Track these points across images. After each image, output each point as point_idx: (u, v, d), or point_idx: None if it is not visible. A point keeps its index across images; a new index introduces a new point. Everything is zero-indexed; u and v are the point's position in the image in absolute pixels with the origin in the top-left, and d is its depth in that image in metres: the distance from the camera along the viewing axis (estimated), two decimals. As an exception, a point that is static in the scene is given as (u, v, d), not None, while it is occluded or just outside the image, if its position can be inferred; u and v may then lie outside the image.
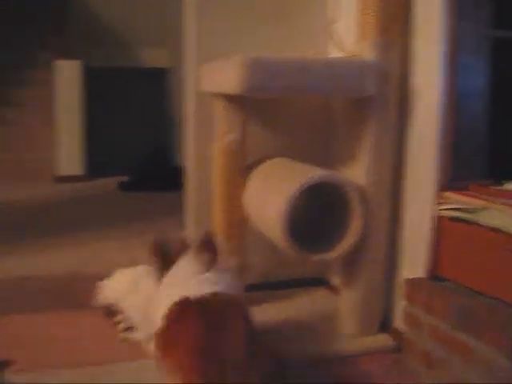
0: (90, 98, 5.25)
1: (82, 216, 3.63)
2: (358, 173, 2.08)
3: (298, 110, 2.57)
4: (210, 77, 2.23)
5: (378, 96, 2.00)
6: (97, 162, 5.10)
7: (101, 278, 2.30)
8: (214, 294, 1.69)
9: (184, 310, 1.65)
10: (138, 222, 3.45)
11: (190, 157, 2.61)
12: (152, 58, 6.10)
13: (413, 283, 1.93)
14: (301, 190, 1.92)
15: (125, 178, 4.68)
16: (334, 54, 2.31)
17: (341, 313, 2.23)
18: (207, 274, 1.76)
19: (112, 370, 1.94)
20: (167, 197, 4.28)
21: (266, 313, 2.37)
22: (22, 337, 2.22)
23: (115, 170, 4.92)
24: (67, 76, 4.89)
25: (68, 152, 4.96)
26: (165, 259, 1.86)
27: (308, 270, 2.67)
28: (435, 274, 1.92)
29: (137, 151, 4.98)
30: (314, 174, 1.96)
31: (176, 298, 1.68)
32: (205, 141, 2.45)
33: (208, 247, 1.85)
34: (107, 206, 3.92)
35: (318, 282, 2.73)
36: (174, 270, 1.84)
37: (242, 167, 2.29)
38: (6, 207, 3.84)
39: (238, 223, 2.33)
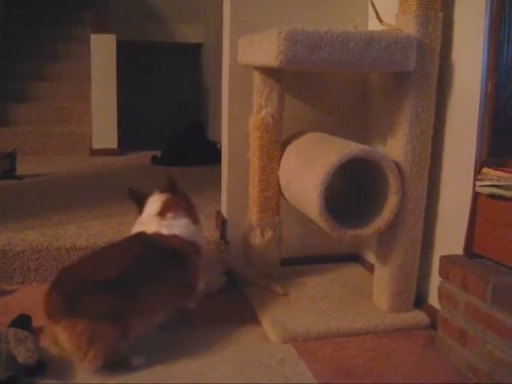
0: (125, 73, 5.28)
1: (114, 189, 3.67)
2: (395, 148, 2.06)
3: (334, 84, 2.56)
4: (248, 50, 2.22)
5: (418, 70, 1.97)
6: (131, 136, 5.14)
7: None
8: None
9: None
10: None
11: (225, 131, 2.61)
12: (187, 33, 6.10)
13: (449, 260, 1.91)
14: (338, 165, 1.92)
15: (158, 153, 4.69)
16: (375, 27, 2.27)
17: (375, 289, 2.23)
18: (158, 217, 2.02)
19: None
20: (201, 171, 4.30)
21: (298, 287, 2.38)
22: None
23: (149, 144, 4.95)
24: (103, 50, 4.91)
25: (102, 126, 5.00)
26: (138, 202, 2.13)
27: (342, 246, 2.67)
28: (471, 251, 1.90)
29: (171, 126, 4.99)
30: (351, 148, 1.95)
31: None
32: (241, 115, 2.46)
33: (170, 189, 2.09)
34: (139, 180, 3.95)
35: (353, 257, 2.73)
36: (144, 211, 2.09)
37: (278, 141, 2.29)
38: (42, 180, 3.90)
39: (274, 197, 2.34)
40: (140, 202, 2.12)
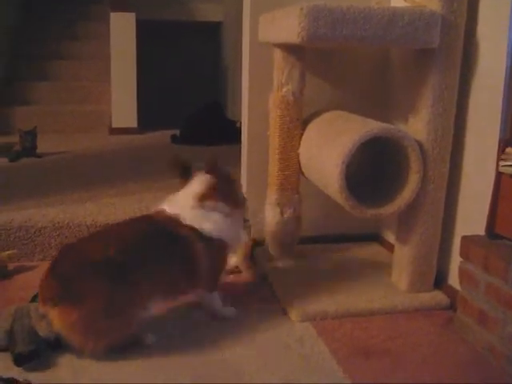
0: (144, 52, 5.27)
1: (133, 167, 3.68)
2: (417, 127, 2.04)
3: (356, 62, 2.53)
4: (270, 27, 2.20)
5: (442, 48, 1.94)
6: (150, 115, 5.14)
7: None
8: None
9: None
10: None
11: (245, 109, 2.60)
12: (206, 11, 6.06)
13: (470, 240, 1.89)
14: (359, 143, 1.90)
15: (177, 132, 4.69)
16: (398, 3, 2.23)
17: (395, 268, 2.22)
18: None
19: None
20: (220, 150, 4.29)
21: (317, 266, 2.38)
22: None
23: (168, 123, 4.94)
24: (122, 29, 4.90)
25: (122, 104, 5.01)
26: (183, 175, 1.98)
27: (362, 225, 2.65)
28: (493, 232, 1.88)
29: (190, 105, 4.98)
30: (372, 127, 1.92)
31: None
32: (261, 93, 2.44)
33: (212, 172, 1.96)
34: (158, 159, 3.96)
35: (372, 237, 2.71)
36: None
37: (298, 119, 2.27)
38: (62, 158, 3.93)
39: (294, 176, 2.33)
40: (185, 175, 1.97)
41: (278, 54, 2.22)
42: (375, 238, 2.71)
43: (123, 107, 5.01)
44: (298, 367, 1.70)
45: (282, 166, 2.31)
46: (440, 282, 2.18)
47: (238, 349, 1.80)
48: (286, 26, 1.94)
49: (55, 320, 1.68)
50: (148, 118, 5.13)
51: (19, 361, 1.67)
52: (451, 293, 2.09)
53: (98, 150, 4.25)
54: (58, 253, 1.83)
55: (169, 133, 4.76)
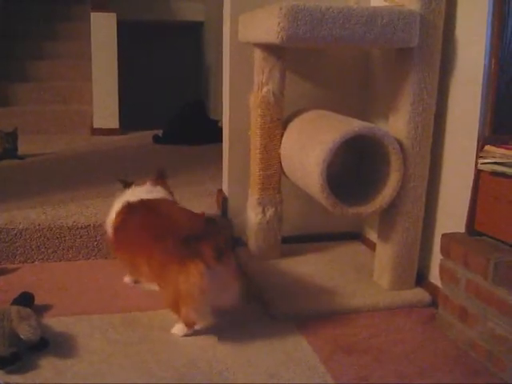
0: (126, 52, 5.24)
1: (115, 168, 3.66)
2: (397, 125, 2.05)
3: (337, 61, 2.54)
4: (249, 27, 2.20)
5: (421, 47, 1.95)
6: (132, 116, 5.11)
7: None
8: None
9: (129, 206, 2.12)
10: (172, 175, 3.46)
11: (226, 109, 2.60)
12: (188, 11, 6.05)
13: (450, 238, 1.91)
14: (340, 142, 1.91)
15: (160, 132, 4.68)
16: (377, 3, 2.25)
17: (377, 267, 2.23)
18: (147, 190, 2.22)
19: (138, 316, 2.01)
20: (203, 149, 4.29)
21: (299, 265, 2.39)
22: (59, 283, 2.29)
23: (150, 123, 4.93)
24: (103, 29, 4.86)
25: (103, 105, 4.97)
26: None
27: (344, 224, 2.67)
28: (473, 229, 1.90)
29: (172, 105, 4.97)
30: (353, 125, 1.93)
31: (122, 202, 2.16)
32: (242, 93, 2.44)
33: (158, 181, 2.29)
34: (140, 159, 3.95)
35: (354, 235, 2.73)
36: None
37: (279, 119, 2.28)
38: (44, 159, 3.90)
39: (275, 175, 2.33)
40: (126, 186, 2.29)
41: (258, 54, 2.22)
42: (358, 236, 2.73)
43: (105, 108, 4.97)
44: (281, 363, 1.71)
45: (264, 165, 2.32)
46: (421, 279, 2.20)
47: (220, 348, 1.80)
48: (266, 26, 1.94)
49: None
50: (130, 118, 5.11)
51: (1, 364, 1.66)
52: (433, 290, 2.11)
53: (79, 151, 4.22)
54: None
55: (151, 133, 4.74)
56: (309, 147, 2.02)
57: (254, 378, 1.64)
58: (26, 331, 1.72)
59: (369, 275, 2.27)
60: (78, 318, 1.99)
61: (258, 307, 2.08)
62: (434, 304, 2.09)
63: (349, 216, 2.04)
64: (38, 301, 2.08)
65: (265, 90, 2.24)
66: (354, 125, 1.94)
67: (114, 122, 5.00)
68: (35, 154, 4.00)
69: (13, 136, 3.80)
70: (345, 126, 1.95)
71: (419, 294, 2.13)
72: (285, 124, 2.30)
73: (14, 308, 1.82)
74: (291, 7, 1.82)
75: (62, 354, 1.74)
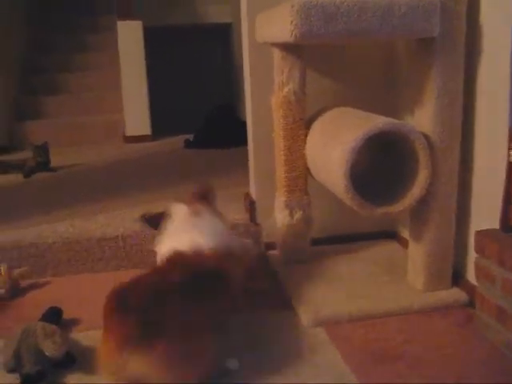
0: (154, 58, 5.25)
1: (147, 175, 3.66)
2: (423, 120, 1.96)
3: (358, 56, 2.46)
4: (265, 26, 2.15)
5: (443, 36, 1.86)
6: (164, 121, 5.13)
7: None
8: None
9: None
10: (198, 179, 3.43)
11: (249, 111, 2.56)
12: (214, 13, 6.01)
13: (484, 235, 1.81)
14: (364, 139, 1.83)
15: (191, 136, 4.67)
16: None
17: (410, 267, 2.14)
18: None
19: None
20: (234, 152, 4.24)
21: (329, 268, 2.32)
22: (88, 296, 2.28)
23: (182, 128, 4.93)
24: (130, 37, 4.90)
25: (135, 112, 5.01)
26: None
27: (377, 223, 2.58)
28: (508, 225, 1.80)
29: (203, 108, 4.95)
30: (377, 121, 1.86)
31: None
32: (264, 94, 2.39)
33: (201, 198, 1.92)
34: (171, 165, 3.94)
35: (389, 234, 2.64)
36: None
37: (302, 119, 2.21)
38: (76, 170, 3.93)
39: (301, 177, 2.27)
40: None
41: (276, 54, 2.17)
42: (392, 235, 2.64)
43: (136, 115, 5.01)
44: (309, 372, 1.65)
45: (289, 167, 2.26)
46: (458, 278, 2.10)
47: (248, 356, 1.75)
48: (279, 25, 1.89)
49: (140, 363, 1.42)
50: (162, 124, 5.12)
51: (27, 381, 1.65)
52: (470, 289, 2.01)
53: (111, 161, 4.25)
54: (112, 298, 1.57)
55: (183, 138, 4.74)
56: (331, 147, 1.96)
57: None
58: (50, 348, 1.71)
59: (403, 276, 2.19)
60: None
61: (288, 314, 2.02)
62: (471, 304, 1.99)
63: (377, 216, 1.96)
64: (66, 315, 2.08)
65: (285, 90, 2.18)
66: (378, 121, 1.86)
67: (145, 129, 5.03)
68: (67, 165, 4.04)
69: (43, 149, 3.84)
70: (368, 123, 1.87)
71: (455, 294, 2.04)
72: (308, 124, 2.24)
73: (40, 324, 1.81)
74: (303, 3, 1.75)
75: (88, 370, 1.72)
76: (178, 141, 4.80)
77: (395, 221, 2.61)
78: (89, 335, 1.94)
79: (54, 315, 2.00)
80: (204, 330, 1.53)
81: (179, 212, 1.89)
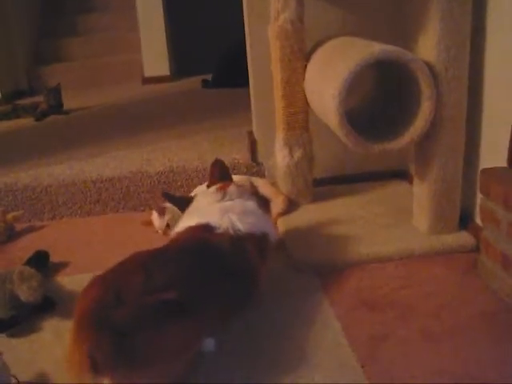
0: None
1: (162, 116, 3.55)
2: (427, 47, 1.76)
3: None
4: None
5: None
6: (183, 62, 4.98)
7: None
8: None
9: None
10: (211, 119, 3.30)
11: (248, 45, 2.39)
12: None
13: (490, 174, 1.63)
14: (356, 71, 1.66)
15: (209, 76, 4.52)
16: None
17: (415, 208, 1.99)
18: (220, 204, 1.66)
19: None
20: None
21: (331, 209, 2.18)
22: (81, 239, 2.23)
23: (200, 69, 4.78)
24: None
25: (153, 53, 4.87)
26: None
27: (386, 162, 2.42)
28: (518, 162, 1.62)
29: (221, 48, 4.77)
30: (372, 50, 1.68)
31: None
32: (263, 27, 2.20)
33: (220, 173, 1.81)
34: (187, 105, 3.82)
35: (400, 173, 2.46)
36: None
37: (300, 50, 2.05)
38: (88, 113, 3.85)
39: (301, 113, 2.12)
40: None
41: (271, -21, 1.98)
42: (404, 174, 2.46)
43: (154, 55, 4.88)
44: (295, 319, 1.56)
45: (287, 102, 2.10)
46: (467, 221, 1.93)
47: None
48: None
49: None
50: (182, 65, 4.98)
51: (0, 327, 1.61)
52: (479, 233, 1.84)
53: (126, 102, 4.15)
54: (87, 298, 1.33)
55: (202, 78, 4.59)
56: (326, 79, 1.79)
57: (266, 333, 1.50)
58: (25, 293, 1.65)
59: (409, 218, 2.03)
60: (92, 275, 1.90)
61: (284, 256, 1.91)
62: (479, 249, 1.83)
63: (375, 153, 1.80)
64: (56, 258, 2.04)
65: (281, 18, 2.00)
66: (373, 49, 1.67)
67: (164, 69, 4.90)
68: (82, 107, 3.96)
69: (55, 92, 3.75)
70: (362, 52, 1.69)
71: (462, 238, 1.88)
72: (309, 55, 2.06)
73: (18, 269, 1.75)
74: None
75: (67, 315, 1.65)
76: (197, 80, 4.65)
77: (406, 159, 2.43)
78: (75, 279, 1.89)
79: (39, 259, 1.96)
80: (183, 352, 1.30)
81: (204, 195, 1.76)
